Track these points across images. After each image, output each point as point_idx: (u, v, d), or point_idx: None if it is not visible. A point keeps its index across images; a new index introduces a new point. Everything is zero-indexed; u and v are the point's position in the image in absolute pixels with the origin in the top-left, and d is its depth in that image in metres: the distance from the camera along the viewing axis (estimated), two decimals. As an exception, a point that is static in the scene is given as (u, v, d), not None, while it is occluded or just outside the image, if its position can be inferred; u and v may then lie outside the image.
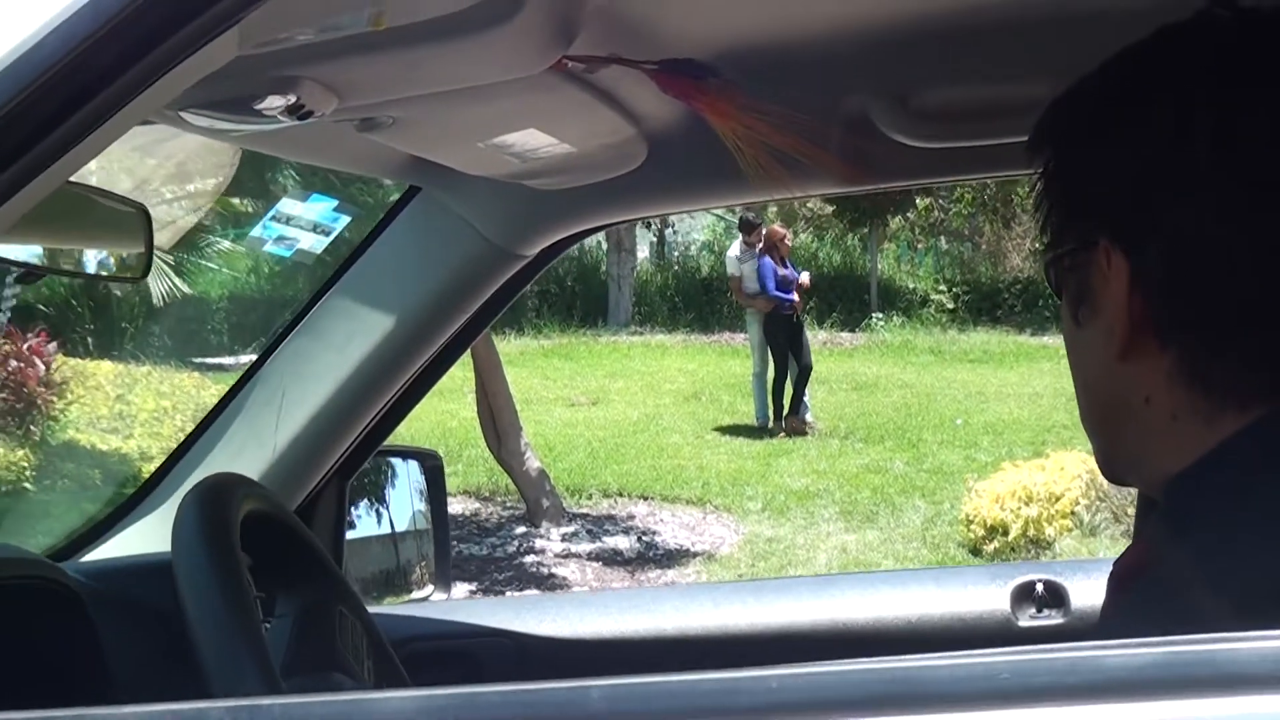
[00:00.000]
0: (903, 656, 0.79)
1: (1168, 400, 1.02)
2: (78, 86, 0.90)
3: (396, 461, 2.26)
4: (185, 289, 14.16)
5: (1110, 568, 1.07)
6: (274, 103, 1.31)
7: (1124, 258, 1.01)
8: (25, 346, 10.46)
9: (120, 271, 1.74)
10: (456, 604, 2.19)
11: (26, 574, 1.32)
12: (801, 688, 0.79)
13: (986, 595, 2.09)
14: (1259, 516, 0.94)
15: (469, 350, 8.99)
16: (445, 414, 13.78)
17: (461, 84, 1.40)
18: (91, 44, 0.89)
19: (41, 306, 16.34)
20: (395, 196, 2.03)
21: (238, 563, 1.07)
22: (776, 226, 13.98)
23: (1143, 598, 0.99)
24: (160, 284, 13.27)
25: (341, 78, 1.32)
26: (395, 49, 1.25)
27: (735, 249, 14.19)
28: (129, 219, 1.59)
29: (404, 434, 2.41)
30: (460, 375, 16.32)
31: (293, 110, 1.32)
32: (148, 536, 1.85)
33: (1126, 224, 1.02)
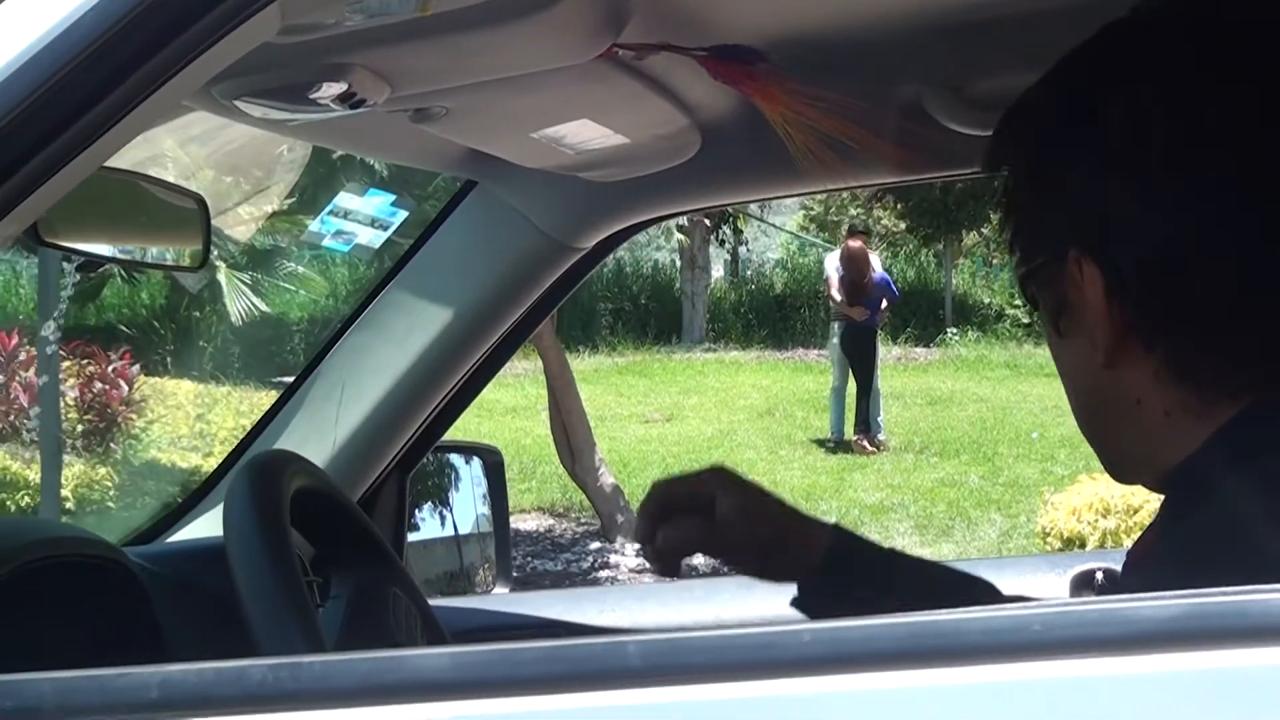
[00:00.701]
0: (933, 611, 0.79)
1: (1159, 399, 1.02)
2: (116, 64, 0.92)
3: (456, 457, 2.27)
4: (264, 308, 14.31)
5: None
6: (327, 91, 1.32)
7: (1096, 267, 1.01)
8: (110, 369, 10.62)
9: (179, 262, 1.77)
10: (515, 596, 2.20)
11: (88, 553, 1.35)
12: (834, 640, 0.80)
13: (1046, 584, 2.07)
14: (1256, 495, 0.94)
15: (543, 369, 9.00)
16: (519, 431, 13.85)
17: (511, 72, 1.41)
18: (130, 19, 0.91)
19: (124, 327, 16.58)
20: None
21: (286, 534, 1.08)
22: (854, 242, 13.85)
23: (1151, 579, 0.98)
24: (238, 304, 13.41)
25: (392, 65, 1.33)
26: (444, 35, 1.26)
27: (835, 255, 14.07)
28: (187, 210, 1.61)
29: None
30: (535, 393, 16.42)
31: (345, 98, 1.34)
32: (213, 525, 1.88)
33: (1094, 233, 1.01)
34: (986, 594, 1.44)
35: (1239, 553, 0.90)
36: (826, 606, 1.42)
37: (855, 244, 13.41)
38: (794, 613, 1.42)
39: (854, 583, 1.42)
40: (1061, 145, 1.04)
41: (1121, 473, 1.13)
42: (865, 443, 12.99)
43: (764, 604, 1.99)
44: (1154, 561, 1.02)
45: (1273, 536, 0.90)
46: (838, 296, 13.14)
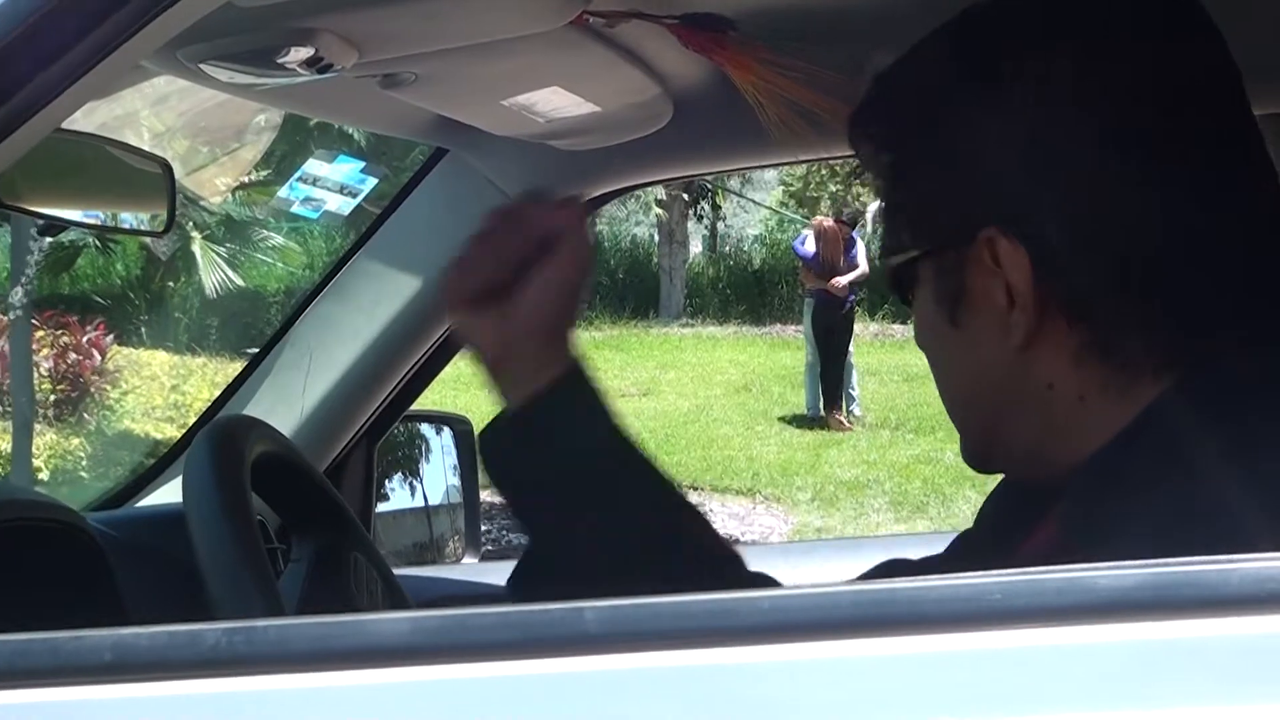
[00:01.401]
0: (895, 579, 0.79)
1: (1074, 383, 0.98)
2: (71, 23, 0.91)
3: (426, 427, 2.27)
4: (239, 280, 14.28)
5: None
6: (294, 55, 1.31)
7: (1018, 244, 0.95)
8: (85, 340, 10.59)
9: (145, 226, 1.76)
10: (483, 565, 2.20)
11: (43, 517, 1.34)
12: (793, 608, 0.79)
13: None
14: (1188, 479, 0.89)
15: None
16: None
17: (481, 38, 1.40)
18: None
19: (99, 298, 16.53)
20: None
21: (246, 499, 1.07)
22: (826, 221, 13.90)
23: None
24: (213, 275, 13.39)
25: (360, 29, 1.32)
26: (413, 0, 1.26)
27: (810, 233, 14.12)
28: (152, 175, 1.60)
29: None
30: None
31: (312, 63, 1.33)
32: (178, 491, 1.87)
33: (1017, 207, 0.96)
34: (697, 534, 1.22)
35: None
36: (505, 456, 1.20)
37: (829, 223, 13.48)
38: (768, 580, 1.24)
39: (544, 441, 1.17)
40: (964, 112, 0.99)
41: (990, 462, 1.09)
42: (840, 418, 13.02)
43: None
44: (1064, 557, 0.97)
45: (1200, 532, 0.86)
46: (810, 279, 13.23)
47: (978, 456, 1.10)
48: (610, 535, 1.17)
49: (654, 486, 1.24)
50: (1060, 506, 0.99)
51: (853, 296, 13.36)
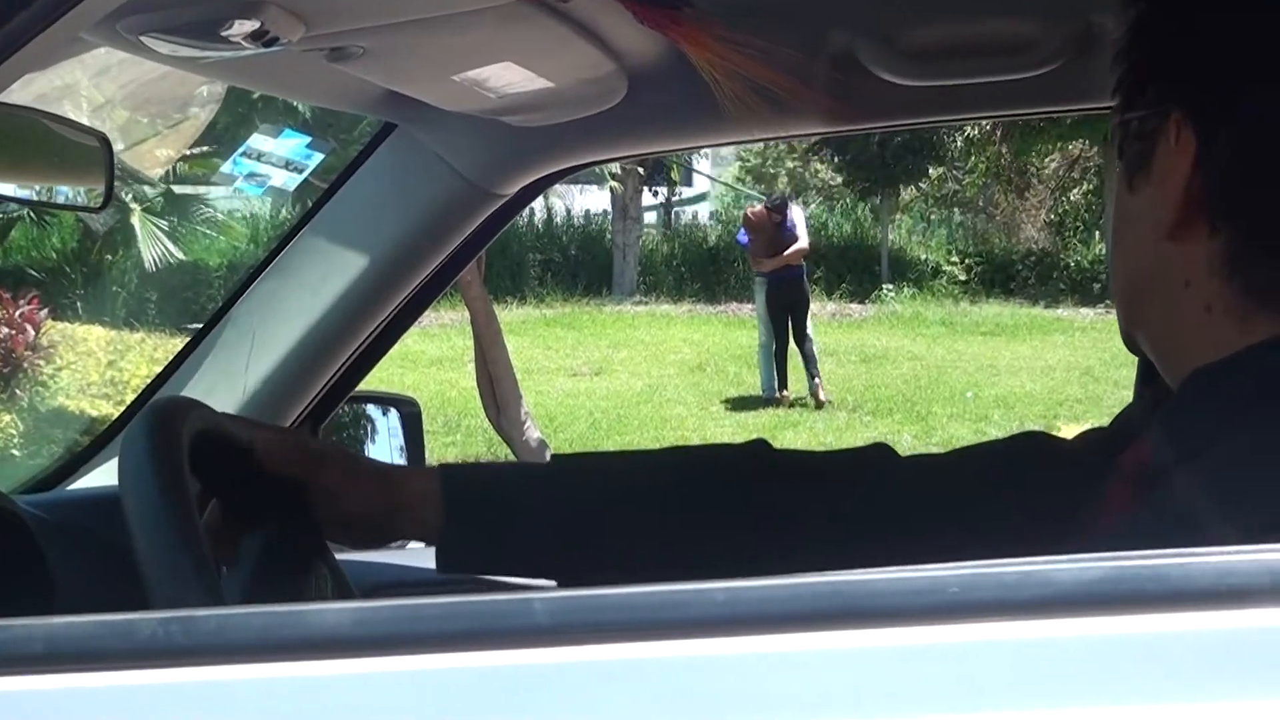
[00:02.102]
0: (849, 571, 0.79)
1: (1205, 289, 1.00)
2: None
3: (372, 409, 2.26)
4: (180, 256, 14.17)
5: None
6: (239, 28, 1.29)
7: (1193, 134, 0.99)
8: (18, 314, 10.48)
9: (81, 201, 1.74)
10: (429, 551, 2.19)
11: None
12: (748, 600, 0.79)
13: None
14: (1275, 432, 0.92)
15: (470, 320, 9.00)
16: (445, 383, 13.82)
17: (431, 11, 1.39)
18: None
19: (33, 271, 16.36)
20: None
21: (184, 483, 1.06)
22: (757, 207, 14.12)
23: (1152, 511, 0.96)
24: (153, 249, 13.28)
25: (307, 3, 1.31)
26: (360, -29, 1.25)
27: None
28: (89, 149, 1.58)
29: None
30: (462, 344, 16.34)
31: (257, 36, 1.31)
32: (113, 473, 1.85)
33: (1202, 101, 0.99)
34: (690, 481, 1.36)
35: (1249, 497, 0.88)
36: (480, 557, 1.35)
37: (755, 209, 13.73)
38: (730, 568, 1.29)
39: (497, 521, 1.31)
40: (1203, 6, 1.03)
41: (1134, 340, 1.12)
42: (820, 392, 13.13)
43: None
44: (1156, 491, 0.97)
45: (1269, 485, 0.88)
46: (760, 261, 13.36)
47: (1124, 332, 1.13)
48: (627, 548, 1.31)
49: (631, 490, 1.36)
50: (1155, 420, 1.04)
51: (803, 268, 13.45)
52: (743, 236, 13.79)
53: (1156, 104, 1.02)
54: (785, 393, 13.27)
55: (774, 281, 13.19)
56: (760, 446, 1.40)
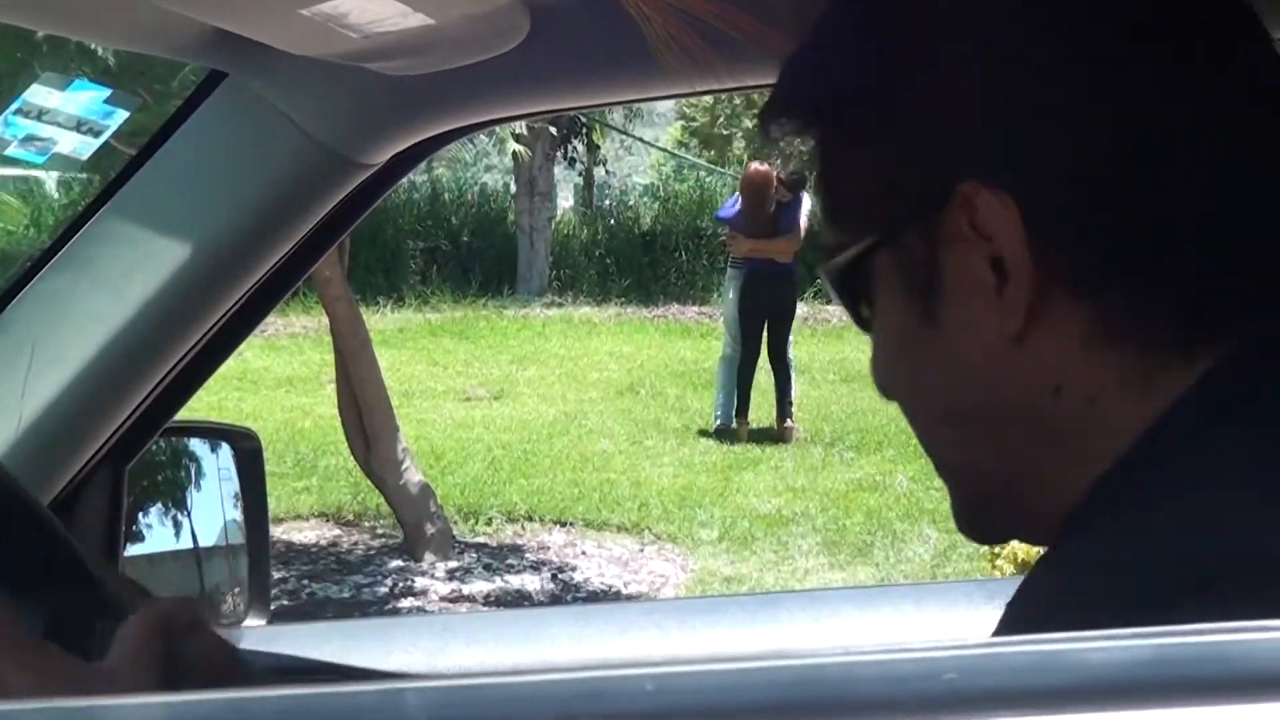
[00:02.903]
0: (817, 651, 0.79)
1: (1084, 380, 0.98)
2: None
3: (197, 444, 2.25)
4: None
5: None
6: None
7: (1003, 197, 0.96)
8: None
9: None
10: (276, 630, 2.19)
11: None
12: (685, 690, 0.79)
13: (978, 617, 2.09)
14: (1233, 492, 0.89)
15: (329, 328, 8.97)
16: (296, 410, 13.78)
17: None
18: None
19: None
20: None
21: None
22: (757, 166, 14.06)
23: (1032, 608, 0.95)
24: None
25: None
26: None
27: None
28: None
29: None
30: (317, 359, 16.28)
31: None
32: None
33: (995, 151, 0.98)
34: None
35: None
36: None
37: (758, 168, 13.64)
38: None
39: None
40: (905, 59, 1.02)
41: (992, 526, 1.11)
42: (792, 427, 13.19)
43: (610, 643, 2.00)
44: (1041, 588, 0.96)
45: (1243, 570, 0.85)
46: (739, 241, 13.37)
47: (972, 519, 1.11)
48: None
49: None
50: (1045, 556, 0.99)
51: (793, 267, 13.50)
52: (728, 207, 13.74)
53: (917, 206, 1.01)
54: (744, 421, 13.30)
55: (754, 273, 13.23)
56: None
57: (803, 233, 13.50)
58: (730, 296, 13.54)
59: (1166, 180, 0.95)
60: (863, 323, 1.10)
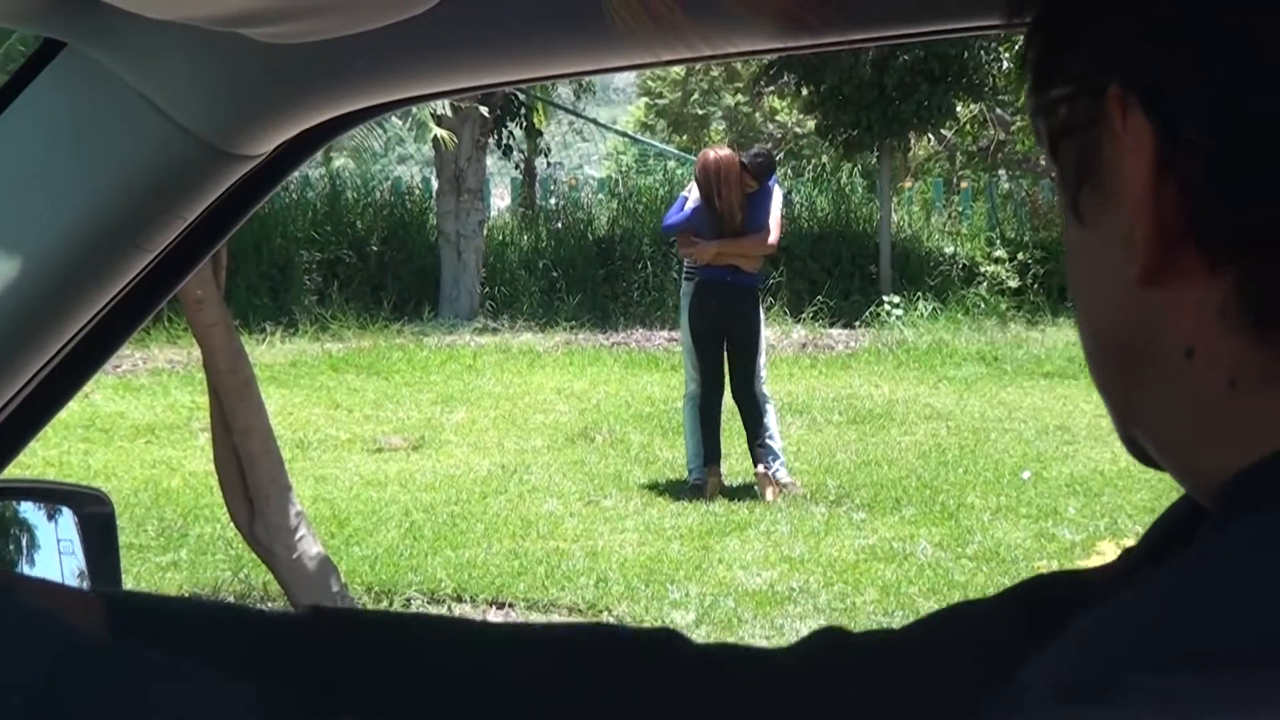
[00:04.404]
0: None
1: (1222, 355, 0.98)
2: None
3: (29, 509, 2.25)
4: None
5: None
6: None
7: (1144, 117, 0.97)
8: None
9: None
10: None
11: None
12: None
13: None
14: None
15: (203, 362, 8.98)
16: (160, 465, 13.76)
17: None
18: None
19: None
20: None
21: None
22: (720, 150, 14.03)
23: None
24: None
25: None
26: None
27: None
28: None
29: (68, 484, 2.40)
30: (187, 402, 16.24)
31: None
32: None
33: (1145, 59, 0.98)
34: None
35: None
36: None
37: (719, 154, 13.58)
38: None
39: None
40: None
41: (1139, 445, 1.11)
42: (769, 478, 13.18)
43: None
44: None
45: None
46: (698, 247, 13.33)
47: (1120, 430, 1.13)
48: None
49: None
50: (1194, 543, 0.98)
51: (758, 278, 13.47)
52: (676, 211, 13.70)
53: (1083, 74, 1.03)
54: (715, 472, 13.31)
55: (708, 286, 13.27)
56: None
57: (777, 232, 13.50)
58: (685, 315, 13.64)
59: None
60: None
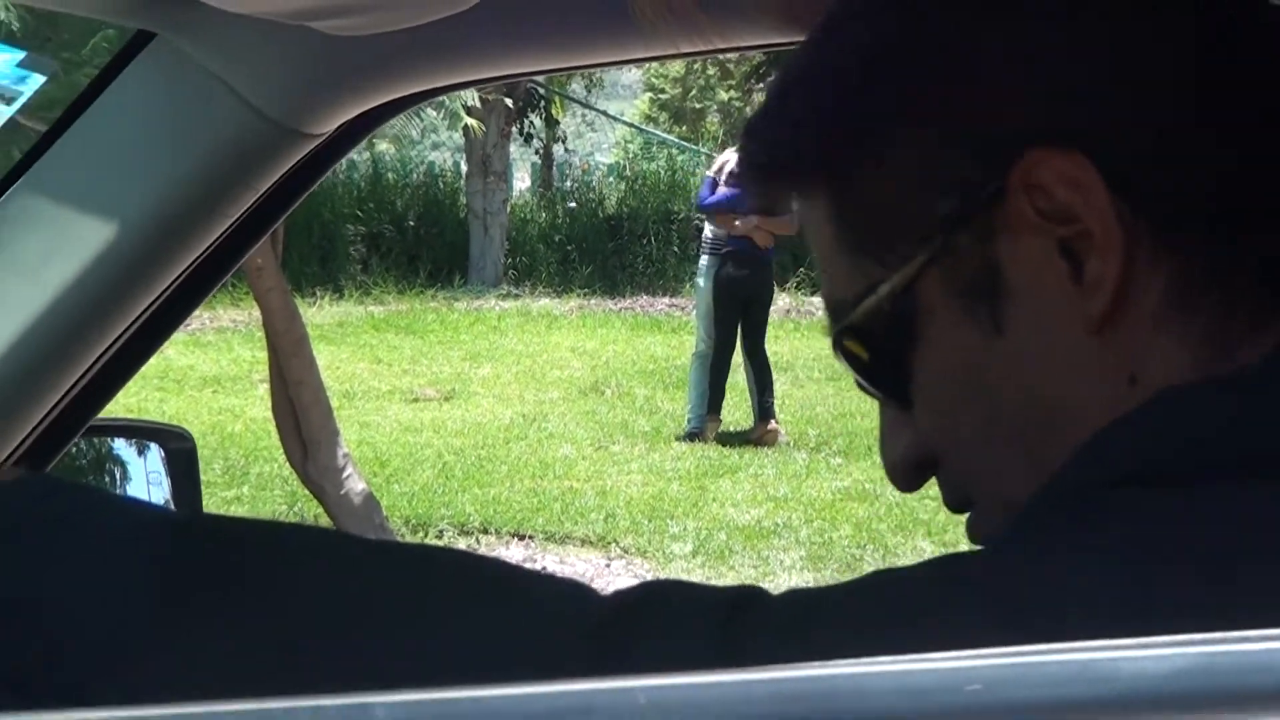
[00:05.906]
0: (826, 664, 0.79)
1: (1157, 361, 0.95)
2: None
3: (123, 445, 2.24)
4: None
5: None
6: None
7: (1082, 158, 0.93)
8: None
9: None
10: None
11: None
12: (682, 703, 0.79)
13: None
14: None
15: (262, 322, 8.97)
16: (225, 413, 13.75)
17: None
18: None
19: None
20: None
21: None
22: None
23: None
24: None
25: None
26: None
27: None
28: None
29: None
30: (249, 356, 16.24)
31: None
32: None
33: (1071, 111, 0.95)
34: None
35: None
36: None
37: None
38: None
39: None
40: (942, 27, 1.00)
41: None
42: (776, 429, 13.20)
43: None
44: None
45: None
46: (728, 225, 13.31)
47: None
48: None
49: None
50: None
51: (772, 253, 13.51)
52: (709, 190, 13.63)
53: (968, 197, 0.98)
54: (715, 419, 13.31)
55: (733, 258, 13.26)
56: None
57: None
58: (704, 284, 13.51)
59: (1225, 148, 0.93)
60: (897, 379, 1.09)
